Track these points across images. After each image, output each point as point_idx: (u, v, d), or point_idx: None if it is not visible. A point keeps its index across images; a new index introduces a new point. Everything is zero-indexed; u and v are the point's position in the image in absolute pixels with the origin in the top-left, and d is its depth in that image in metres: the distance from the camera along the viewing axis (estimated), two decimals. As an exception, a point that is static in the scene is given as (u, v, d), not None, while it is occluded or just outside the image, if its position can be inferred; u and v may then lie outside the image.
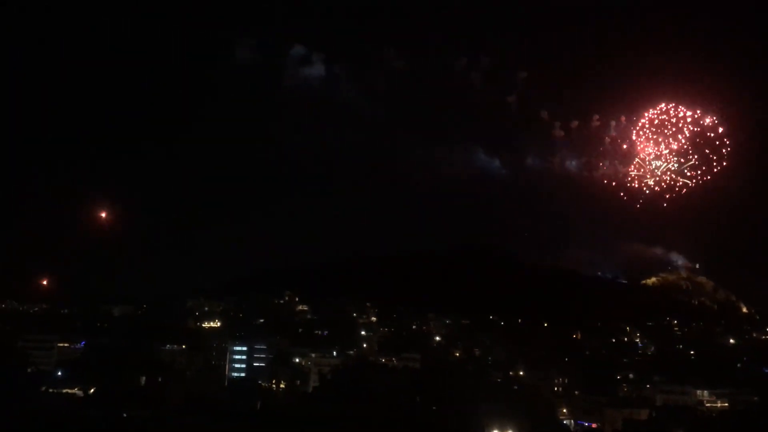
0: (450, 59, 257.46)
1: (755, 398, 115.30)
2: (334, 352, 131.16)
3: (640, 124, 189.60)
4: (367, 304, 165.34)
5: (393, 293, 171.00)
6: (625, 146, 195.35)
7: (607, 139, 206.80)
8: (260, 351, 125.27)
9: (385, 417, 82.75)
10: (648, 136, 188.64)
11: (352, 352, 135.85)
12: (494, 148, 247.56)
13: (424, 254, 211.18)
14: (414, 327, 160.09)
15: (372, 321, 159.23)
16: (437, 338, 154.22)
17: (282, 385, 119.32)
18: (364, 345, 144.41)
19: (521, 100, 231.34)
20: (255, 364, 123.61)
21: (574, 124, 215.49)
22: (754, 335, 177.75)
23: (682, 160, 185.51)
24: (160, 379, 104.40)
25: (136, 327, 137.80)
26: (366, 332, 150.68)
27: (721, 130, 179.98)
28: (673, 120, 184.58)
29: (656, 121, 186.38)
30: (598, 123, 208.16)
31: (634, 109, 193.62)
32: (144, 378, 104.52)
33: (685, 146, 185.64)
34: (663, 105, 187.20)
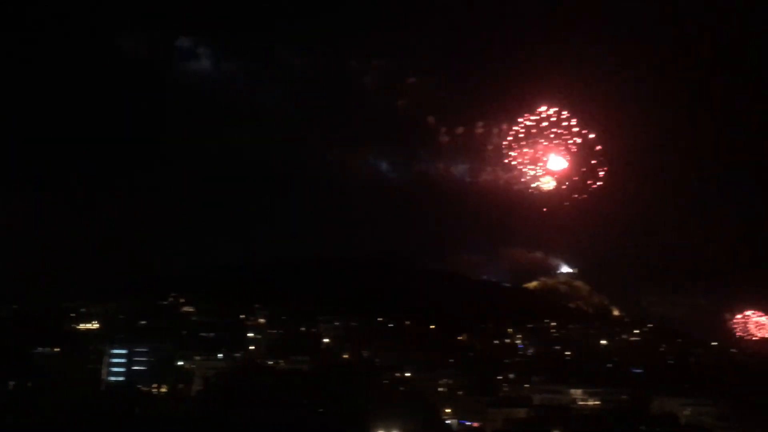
0: (344, 60, 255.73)
1: (624, 396, 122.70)
2: (220, 355, 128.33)
3: (521, 131, 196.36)
4: (256, 305, 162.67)
5: (283, 296, 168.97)
6: (507, 152, 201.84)
7: (490, 146, 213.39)
8: (141, 354, 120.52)
9: (270, 420, 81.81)
10: (528, 142, 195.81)
11: (239, 354, 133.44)
12: (386, 153, 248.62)
13: (315, 257, 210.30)
14: (303, 329, 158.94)
15: (261, 323, 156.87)
16: (326, 340, 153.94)
17: (163, 390, 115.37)
18: (252, 347, 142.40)
19: (411, 104, 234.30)
20: (135, 368, 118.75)
21: (459, 130, 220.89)
22: (624, 337, 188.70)
23: (560, 167, 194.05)
24: (30, 384, 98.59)
25: (4, 328, 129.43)
26: (254, 335, 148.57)
27: (592, 136, 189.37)
28: (554, 126, 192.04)
29: (536, 127, 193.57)
30: (481, 129, 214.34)
31: (516, 116, 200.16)
32: (13, 383, 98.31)
33: (564, 153, 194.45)
34: (544, 110, 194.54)
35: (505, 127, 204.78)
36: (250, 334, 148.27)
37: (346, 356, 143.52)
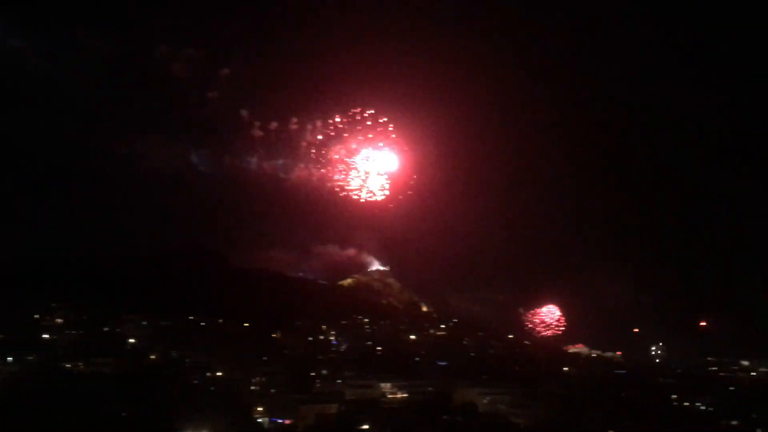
0: (152, 46, 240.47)
1: (430, 388, 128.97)
2: (10, 358, 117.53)
3: (336, 129, 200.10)
4: (53, 305, 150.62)
5: (85, 294, 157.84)
6: (320, 150, 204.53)
7: (304, 143, 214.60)
8: None
9: (68, 426, 76.47)
10: (342, 140, 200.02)
11: (32, 357, 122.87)
12: (196, 145, 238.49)
13: (121, 253, 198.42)
14: (107, 329, 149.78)
15: (58, 323, 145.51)
16: (132, 341, 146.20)
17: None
18: (49, 350, 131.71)
19: (223, 96, 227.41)
20: None
21: (273, 125, 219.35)
22: (432, 332, 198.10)
23: (372, 166, 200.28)
24: None
25: None
26: (50, 336, 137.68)
27: (394, 137, 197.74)
28: (367, 126, 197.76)
29: (350, 127, 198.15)
30: (296, 126, 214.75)
31: (331, 115, 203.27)
32: None
33: (374, 152, 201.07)
34: (358, 110, 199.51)
35: (319, 124, 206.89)
36: (46, 336, 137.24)
37: (153, 357, 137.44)
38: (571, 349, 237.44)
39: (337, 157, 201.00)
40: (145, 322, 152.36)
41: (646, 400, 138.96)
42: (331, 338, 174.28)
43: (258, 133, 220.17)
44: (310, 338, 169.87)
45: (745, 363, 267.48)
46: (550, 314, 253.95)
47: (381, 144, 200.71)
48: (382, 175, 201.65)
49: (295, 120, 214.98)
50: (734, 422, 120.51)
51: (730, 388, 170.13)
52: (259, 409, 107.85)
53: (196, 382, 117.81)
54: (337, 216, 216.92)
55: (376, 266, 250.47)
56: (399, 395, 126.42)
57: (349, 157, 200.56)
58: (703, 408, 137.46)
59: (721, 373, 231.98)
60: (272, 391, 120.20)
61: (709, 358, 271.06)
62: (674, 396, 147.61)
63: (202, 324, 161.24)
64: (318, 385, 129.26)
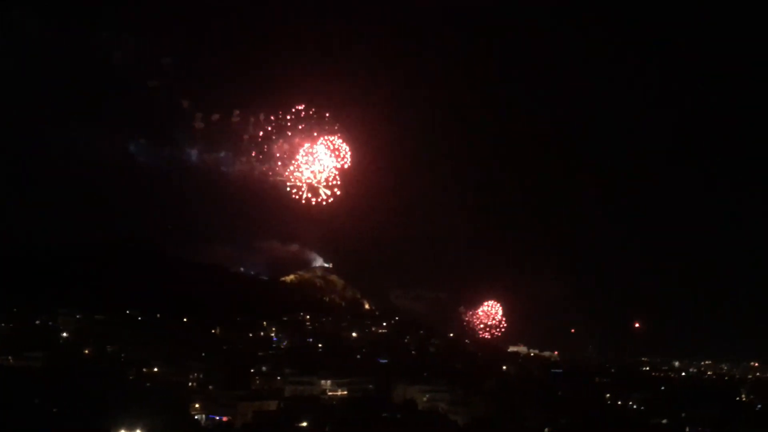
0: (90, 33, 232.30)
1: (370, 385, 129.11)
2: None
3: (280, 123, 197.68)
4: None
5: (17, 287, 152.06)
6: (263, 144, 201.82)
7: (247, 136, 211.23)
8: None
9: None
10: (286, 135, 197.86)
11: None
12: (136, 135, 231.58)
13: (54, 245, 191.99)
14: (38, 322, 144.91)
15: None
16: (65, 335, 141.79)
17: None
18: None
19: (164, 86, 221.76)
20: None
21: (215, 116, 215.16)
22: (374, 329, 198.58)
23: (316, 162, 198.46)
24: None
25: None
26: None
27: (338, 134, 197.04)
28: (312, 122, 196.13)
29: (295, 122, 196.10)
30: (238, 118, 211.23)
31: (275, 108, 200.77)
32: None
33: (317, 150, 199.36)
34: (303, 107, 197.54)
35: (262, 117, 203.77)
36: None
37: (87, 352, 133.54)
38: (511, 348, 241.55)
39: (280, 153, 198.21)
40: (79, 316, 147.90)
41: (581, 398, 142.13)
42: (272, 334, 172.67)
43: (199, 124, 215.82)
44: (250, 334, 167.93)
45: (676, 363, 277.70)
46: (490, 313, 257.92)
47: (325, 140, 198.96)
48: (326, 171, 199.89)
49: (237, 112, 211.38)
50: (664, 421, 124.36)
51: (662, 388, 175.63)
52: (196, 405, 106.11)
53: (131, 378, 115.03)
54: (280, 211, 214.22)
55: (319, 263, 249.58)
56: (339, 392, 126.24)
57: (293, 153, 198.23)
58: (635, 407, 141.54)
59: (653, 373, 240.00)
60: (210, 387, 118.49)
61: (642, 359, 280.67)
62: (608, 395, 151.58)
63: (138, 319, 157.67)
64: (257, 381, 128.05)
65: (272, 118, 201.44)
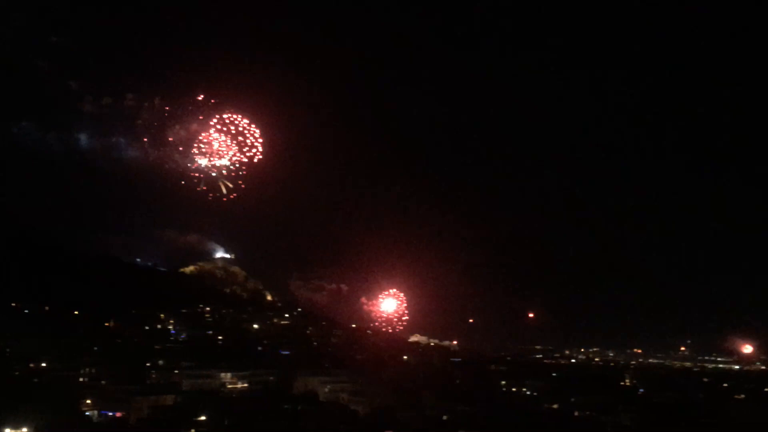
0: None
1: (271, 378, 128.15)
2: None
3: (175, 108, 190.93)
4: None
5: None
6: (159, 130, 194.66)
7: (141, 121, 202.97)
8: None
9: None
10: (184, 122, 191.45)
11: None
12: (23, 119, 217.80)
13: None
14: None
15: None
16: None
17: None
18: None
19: (52, 66, 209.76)
20: None
21: (107, 100, 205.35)
22: (276, 321, 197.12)
23: (217, 151, 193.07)
24: None
25: None
26: None
27: (258, 132, 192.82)
28: (212, 111, 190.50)
29: (194, 109, 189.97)
30: (132, 102, 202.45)
31: (174, 93, 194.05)
32: None
33: (226, 141, 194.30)
34: (202, 95, 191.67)
35: (158, 102, 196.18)
36: None
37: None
38: (411, 338, 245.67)
39: (176, 140, 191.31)
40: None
41: (478, 386, 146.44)
42: (170, 327, 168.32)
43: (89, 107, 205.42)
44: (147, 327, 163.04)
45: (566, 351, 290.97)
46: (391, 304, 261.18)
47: (227, 131, 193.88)
48: (227, 162, 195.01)
49: (131, 96, 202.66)
50: (555, 405, 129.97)
51: (553, 374, 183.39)
52: (88, 401, 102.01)
53: (17, 373, 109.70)
54: (177, 200, 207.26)
55: (220, 254, 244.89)
56: (239, 385, 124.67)
57: (191, 140, 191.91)
58: (528, 393, 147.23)
59: (545, 360, 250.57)
60: (103, 382, 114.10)
61: (536, 347, 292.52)
62: (503, 382, 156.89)
63: (25, 311, 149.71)
64: (153, 375, 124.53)
65: (172, 101, 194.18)
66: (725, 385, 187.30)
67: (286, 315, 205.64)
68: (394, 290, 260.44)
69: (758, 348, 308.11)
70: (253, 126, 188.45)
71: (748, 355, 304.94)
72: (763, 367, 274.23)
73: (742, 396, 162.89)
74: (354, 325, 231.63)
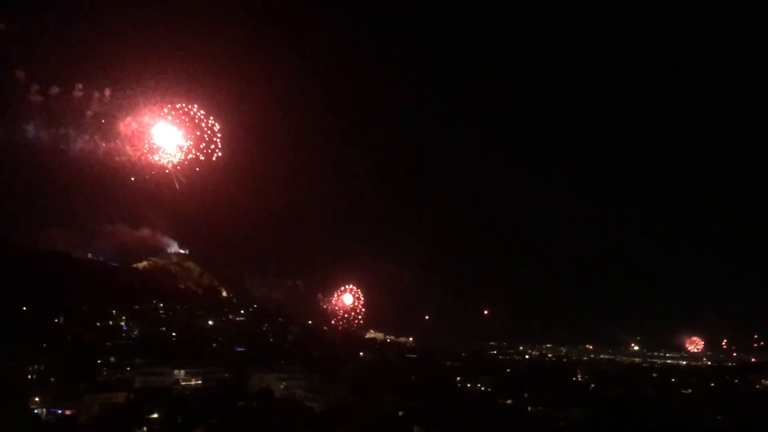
0: None
1: (226, 375, 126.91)
2: None
3: (126, 99, 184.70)
4: None
5: None
6: (109, 121, 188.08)
7: (90, 112, 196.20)
8: None
9: None
10: (134, 113, 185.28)
11: None
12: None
13: None
14: None
15: None
16: None
17: None
18: None
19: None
20: None
21: (54, 90, 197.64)
22: (231, 317, 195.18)
23: (172, 145, 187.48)
24: None
25: None
26: None
27: (217, 127, 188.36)
28: (166, 103, 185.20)
29: (145, 100, 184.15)
30: (81, 93, 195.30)
31: (122, 83, 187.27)
32: None
33: (181, 133, 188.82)
34: (152, 82, 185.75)
35: (109, 93, 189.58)
36: None
37: None
38: (368, 335, 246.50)
39: (127, 132, 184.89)
40: None
41: (434, 381, 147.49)
42: (122, 323, 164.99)
43: (35, 98, 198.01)
44: (98, 323, 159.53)
45: (521, 347, 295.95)
46: (348, 301, 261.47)
47: (182, 123, 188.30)
48: (182, 155, 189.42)
49: (80, 86, 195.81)
50: (509, 401, 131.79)
51: (508, 370, 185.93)
52: (36, 399, 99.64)
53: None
54: (129, 194, 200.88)
55: (174, 249, 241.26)
56: (193, 382, 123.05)
57: (143, 133, 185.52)
58: (483, 388, 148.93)
59: (499, 357, 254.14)
60: (52, 380, 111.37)
61: (491, 343, 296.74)
62: (459, 378, 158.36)
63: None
64: (105, 373, 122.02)
65: (123, 91, 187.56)
66: (673, 380, 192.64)
67: (242, 312, 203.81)
68: (351, 287, 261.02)
69: (704, 345, 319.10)
70: (211, 119, 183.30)
71: (694, 352, 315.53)
72: (709, 363, 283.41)
73: (689, 390, 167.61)
74: (310, 322, 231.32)
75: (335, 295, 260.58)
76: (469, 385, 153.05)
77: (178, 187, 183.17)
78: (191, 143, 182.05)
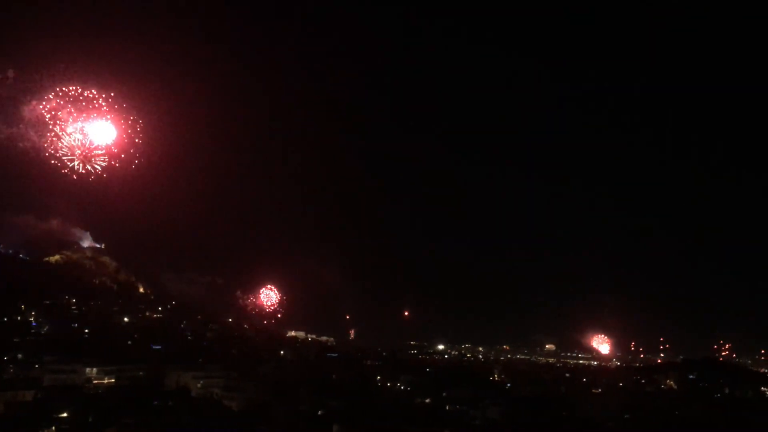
0: None
1: (140, 373, 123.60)
2: None
3: (33, 84, 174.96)
4: None
5: None
6: (9, 104, 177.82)
7: None
8: None
9: None
10: (44, 100, 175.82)
11: None
12: None
13: None
14: None
15: None
16: None
17: None
18: None
19: None
20: None
21: None
22: (148, 314, 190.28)
23: (85, 134, 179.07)
24: None
25: None
26: None
27: (134, 117, 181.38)
28: (90, 96, 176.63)
29: (51, 82, 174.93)
30: None
31: (32, 65, 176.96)
32: None
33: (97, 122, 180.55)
34: (62, 65, 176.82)
35: (12, 75, 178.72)
36: None
37: None
38: (289, 333, 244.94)
39: (32, 117, 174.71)
40: None
41: (354, 381, 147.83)
42: (31, 319, 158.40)
43: None
44: (5, 319, 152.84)
45: (440, 347, 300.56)
46: (268, 298, 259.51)
47: (93, 109, 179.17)
48: (96, 145, 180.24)
49: None
50: (428, 400, 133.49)
51: (427, 369, 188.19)
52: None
53: None
54: (36, 183, 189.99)
55: (88, 243, 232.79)
56: (106, 380, 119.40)
57: (50, 118, 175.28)
58: (402, 387, 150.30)
59: (419, 356, 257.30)
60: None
61: (411, 342, 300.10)
62: (378, 377, 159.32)
63: None
64: (11, 370, 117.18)
65: (28, 74, 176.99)
66: (584, 379, 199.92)
67: (159, 308, 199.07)
68: (272, 285, 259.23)
69: (614, 347, 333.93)
70: (125, 106, 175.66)
71: (605, 354, 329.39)
72: (618, 364, 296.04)
73: (599, 390, 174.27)
74: (230, 320, 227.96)
75: (256, 293, 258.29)
76: (388, 384, 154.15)
77: (91, 178, 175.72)
78: (106, 132, 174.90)
